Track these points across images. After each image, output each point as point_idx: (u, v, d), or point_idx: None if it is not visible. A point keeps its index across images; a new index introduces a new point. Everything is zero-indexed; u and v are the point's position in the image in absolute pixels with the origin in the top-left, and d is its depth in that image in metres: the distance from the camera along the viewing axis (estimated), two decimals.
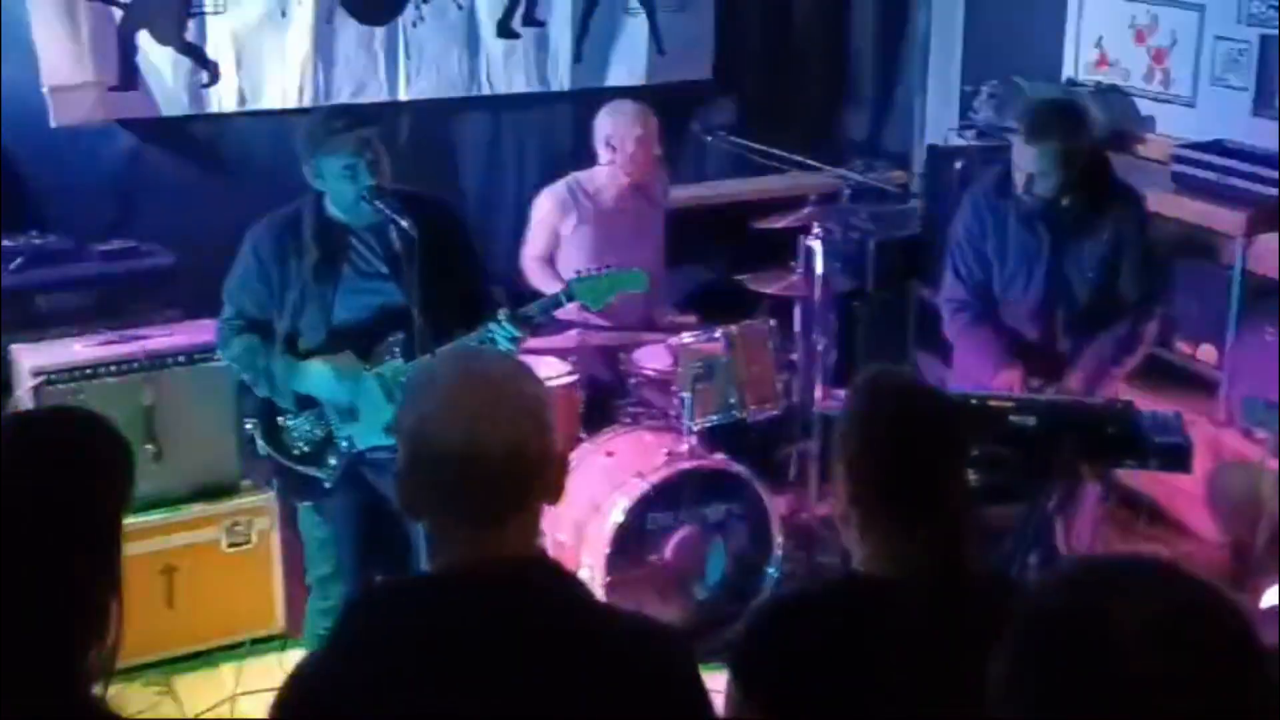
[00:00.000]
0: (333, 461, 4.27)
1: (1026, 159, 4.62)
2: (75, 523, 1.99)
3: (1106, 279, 4.78)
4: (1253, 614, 3.70)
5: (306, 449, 4.28)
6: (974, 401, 4.10)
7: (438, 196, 4.28)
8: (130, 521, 4.57)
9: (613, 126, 5.61)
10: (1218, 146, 6.01)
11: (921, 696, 2.28)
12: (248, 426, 4.36)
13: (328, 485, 4.29)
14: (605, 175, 5.69)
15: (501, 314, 4.16)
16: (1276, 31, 5.94)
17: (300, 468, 4.30)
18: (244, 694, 4.68)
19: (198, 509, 4.94)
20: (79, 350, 4.80)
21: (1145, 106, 6.71)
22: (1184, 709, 1.37)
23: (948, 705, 2.23)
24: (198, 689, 4.81)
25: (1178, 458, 4.13)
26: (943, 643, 2.28)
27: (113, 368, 4.78)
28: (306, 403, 4.26)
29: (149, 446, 4.78)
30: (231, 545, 4.97)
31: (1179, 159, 6.03)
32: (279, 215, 4.26)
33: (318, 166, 4.12)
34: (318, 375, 4.18)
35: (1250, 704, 1.40)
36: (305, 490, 4.35)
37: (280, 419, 4.30)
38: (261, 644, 4.97)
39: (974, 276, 4.91)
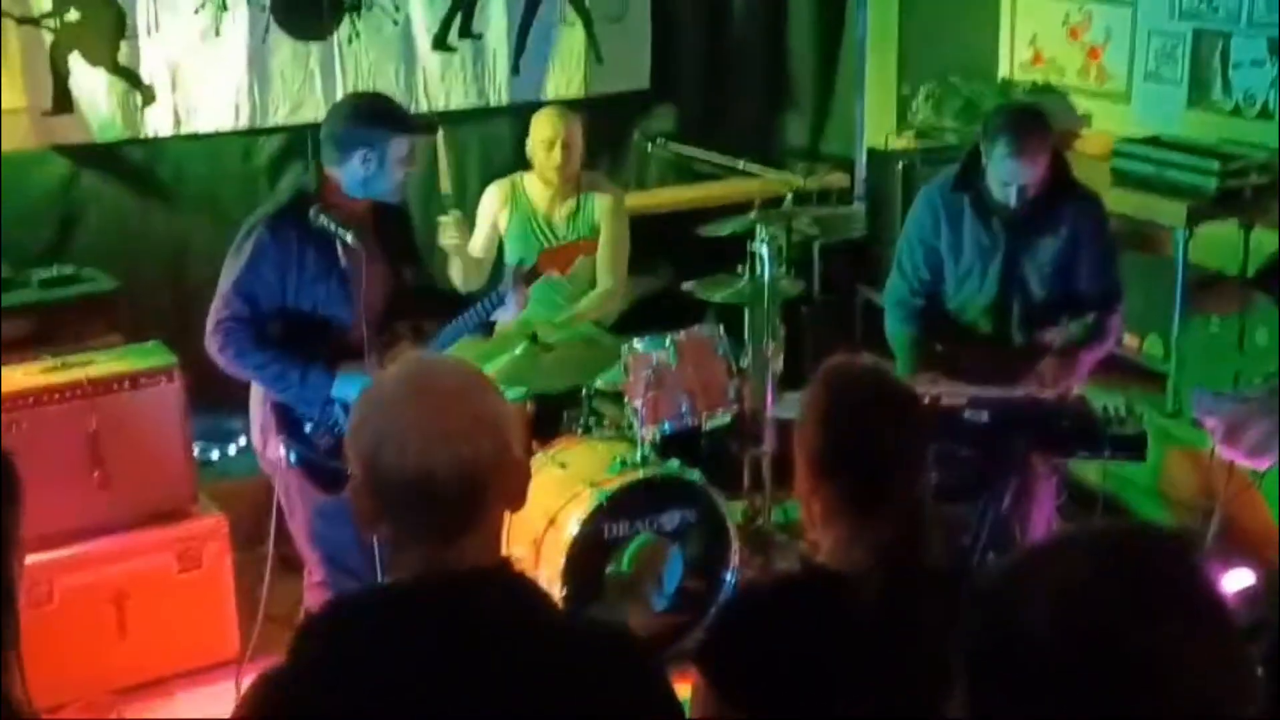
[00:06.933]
0: None
1: (1010, 172, 4.62)
2: None
3: (1064, 277, 4.81)
4: None
5: (332, 440, 4.22)
6: (926, 400, 4.10)
7: None
8: (79, 550, 4.62)
9: (530, 133, 5.67)
10: (1155, 140, 6.06)
11: (876, 690, 2.29)
12: (196, 452, 4.30)
13: None
14: (536, 179, 5.73)
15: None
16: (1206, 26, 6.04)
17: (334, 463, 4.13)
18: None
19: (147, 534, 4.86)
20: (20, 378, 4.71)
21: (1081, 103, 6.76)
22: (1087, 674, 1.36)
23: (902, 698, 2.24)
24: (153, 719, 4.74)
25: (1133, 447, 4.15)
26: (893, 636, 2.29)
27: (55, 395, 4.69)
28: (329, 401, 4.24)
29: (95, 473, 4.72)
30: (183, 570, 4.89)
31: (1117, 154, 6.08)
32: (289, 205, 4.22)
33: (387, 147, 4.17)
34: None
35: (1159, 668, 1.37)
36: (335, 483, 4.17)
37: (301, 418, 4.26)
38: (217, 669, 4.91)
39: (919, 273, 4.94)
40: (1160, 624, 1.36)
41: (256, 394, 4.35)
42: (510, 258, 5.44)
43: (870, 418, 2.46)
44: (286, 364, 4.16)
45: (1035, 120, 4.74)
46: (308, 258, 4.17)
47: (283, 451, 4.27)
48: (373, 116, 4.23)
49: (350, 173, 4.21)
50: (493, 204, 5.72)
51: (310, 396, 4.19)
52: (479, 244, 5.67)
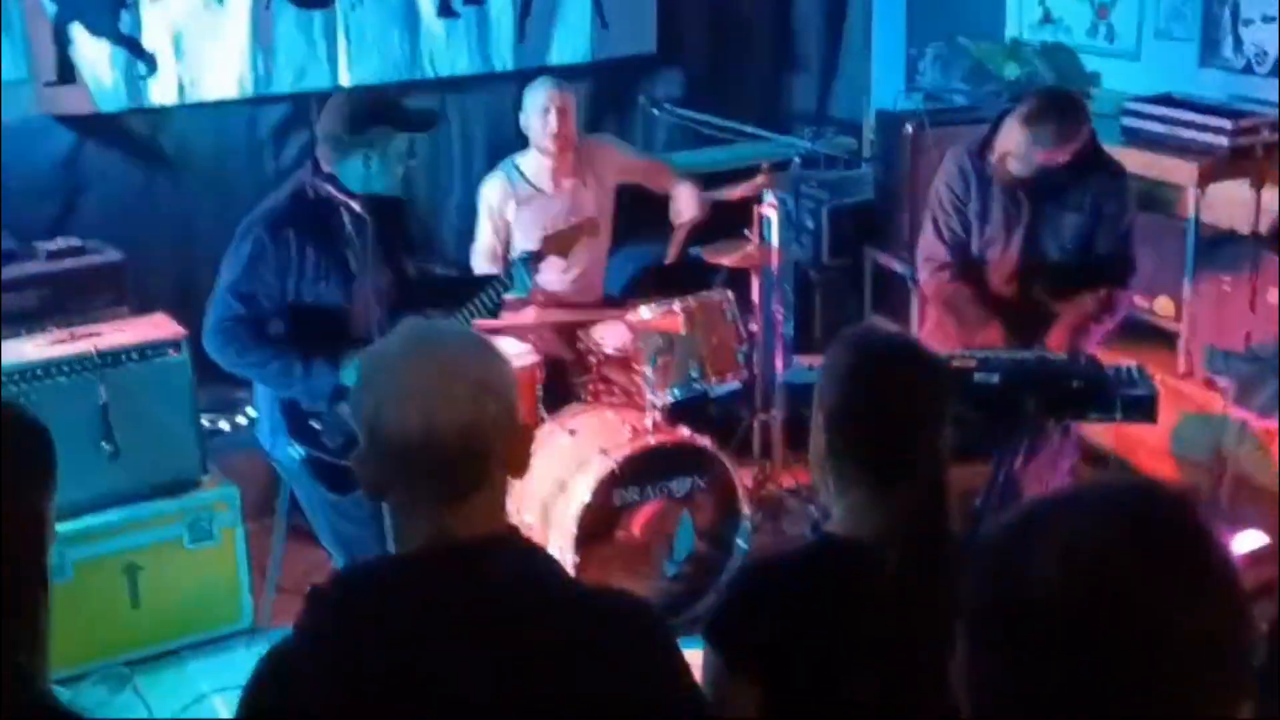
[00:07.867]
0: None
1: (1019, 144, 4.58)
2: None
3: (1083, 248, 4.78)
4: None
5: (342, 439, 4.17)
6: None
7: None
8: (91, 522, 4.62)
9: (524, 105, 5.60)
10: (1166, 99, 6.02)
11: (900, 660, 2.26)
12: (204, 423, 4.28)
13: None
14: (533, 156, 5.64)
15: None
16: None
17: (342, 461, 4.13)
18: (215, 692, 4.64)
19: (158, 506, 4.84)
20: (30, 351, 4.70)
21: (1090, 62, 6.72)
22: (1088, 633, 1.34)
23: (926, 669, 2.22)
24: (166, 689, 4.74)
25: (1144, 408, 4.14)
26: (920, 606, 2.26)
27: (65, 367, 4.67)
28: (337, 393, 4.17)
29: (106, 445, 4.70)
30: (194, 541, 4.89)
31: (1128, 112, 6.04)
32: (286, 201, 4.18)
33: (388, 146, 4.14)
34: None
35: (1164, 626, 1.34)
36: (346, 482, 4.16)
37: (309, 417, 4.23)
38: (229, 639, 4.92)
39: (955, 236, 4.89)
40: (1167, 582, 1.35)
41: (264, 391, 4.34)
42: (519, 244, 5.41)
43: (895, 378, 2.42)
44: (289, 359, 4.12)
45: (1068, 108, 4.63)
46: (308, 257, 4.13)
47: (292, 453, 4.26)
48: (371, 117, 4.16)
49: (350, 171, 4.17)
50: (496, 198, 5.59)
51: (316, 390, 4.15)
52: (488, 239, 5.60)
